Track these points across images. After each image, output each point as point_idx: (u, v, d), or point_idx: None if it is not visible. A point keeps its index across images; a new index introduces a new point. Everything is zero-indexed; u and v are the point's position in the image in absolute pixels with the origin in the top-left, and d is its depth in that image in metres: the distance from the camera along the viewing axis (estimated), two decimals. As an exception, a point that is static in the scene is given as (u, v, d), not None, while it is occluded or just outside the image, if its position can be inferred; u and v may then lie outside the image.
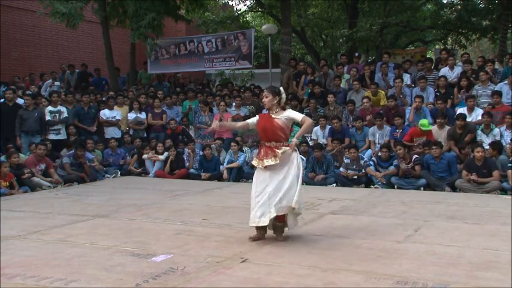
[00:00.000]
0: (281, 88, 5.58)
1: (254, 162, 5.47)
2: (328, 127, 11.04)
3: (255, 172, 5.46)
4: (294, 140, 5.28)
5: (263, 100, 5.51)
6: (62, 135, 11.32)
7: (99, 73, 16.05)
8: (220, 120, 11.69)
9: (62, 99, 12.16)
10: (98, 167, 10.85)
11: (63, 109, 11.38)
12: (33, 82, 14.75)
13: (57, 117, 11.21)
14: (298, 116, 5.36)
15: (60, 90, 13.49)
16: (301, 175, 5.28)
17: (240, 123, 6.06)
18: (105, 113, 12.14)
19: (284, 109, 5.50)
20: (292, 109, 11.94)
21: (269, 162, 5.24)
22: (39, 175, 9.58)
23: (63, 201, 8.15)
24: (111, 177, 10.88)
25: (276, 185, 5.18)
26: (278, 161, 5.19)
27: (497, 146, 9.14)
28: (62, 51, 18.16)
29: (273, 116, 5.37)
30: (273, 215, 5.18)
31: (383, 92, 11.84)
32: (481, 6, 20.35)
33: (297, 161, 5.27)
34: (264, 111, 5.77)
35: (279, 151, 5.22)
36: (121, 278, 4.19)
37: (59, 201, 8.14)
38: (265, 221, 5.22)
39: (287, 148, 5.25)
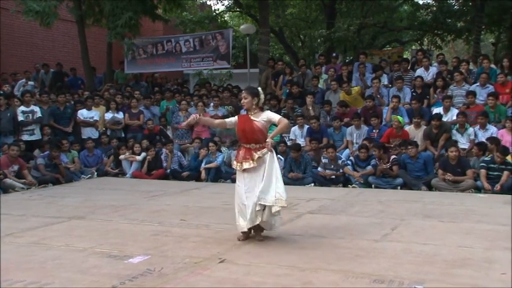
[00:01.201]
0: (259, 88, 5.59)
1: (234, 165, 5.50)
2: (306, 127, 11.08)
3: (236, 175, 5.48)
4: (269, 140, 5.25)
5: (242, 101, 5.49)
6: (36, 136, 11.10)
7: (75, 73, 15.82)
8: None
9: (37, 99, 11.96)
10: (74, 167, 10.69)
11: (36, 109, 11.15)
12: (5, 81, 14.45)
13: (31, 118, 10.99)
14: (275, 117, 5.38)
15: (34, 90, 13.24)
16: (276, 172, 5.25)
17: (217, 120, 6.02)
18: (83, 113, 11.97)
19: (262, 110, 5.51)
20: (271, 109, 12.05)
21: (247, 165, 5.27)
22: (11, 176, 9.38)
23: (38, 202, 8.02)
24: (86, 178, 10.73)
25: (258, 189, 5.18)
26: (256, 164, 5.21)
27: (482, 146, 9.27)
28: (36, 51, 17.79)
29: (252, 117, 5.37)
30: (258, 220, 5.22)
31: (356, 88, 11.99)
32: (456, 8, 20.68)
33: (272, 160, 5.24)
34: (243, 112, 5.76)
35: (256, 155, 5.23)
36: (97, 280, 4.13)
37: (33, 202, 8.00)
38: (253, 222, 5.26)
39: (264, 151, 5.24)
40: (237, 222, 5.37)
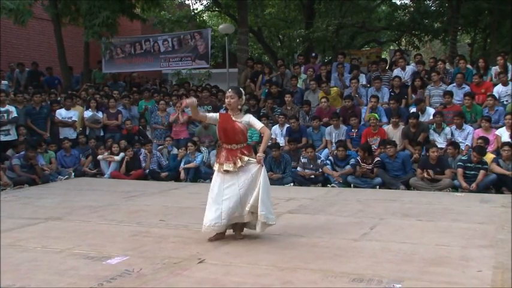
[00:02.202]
0: (241, 89, 5.60)
1: (215, 167, 5.45)
2: (286, 126, 11.09)
3: (214, 174, 5.44)
4: (261, 155, 5.30)
5: (228, 101, 5.40)
6: (12, 136, 10.86)
7: (51, 72, 15.58)
8: (177, 119, 11.63)
9: (11, 98, 11.74)
10: (50, 168, 10.52)
11: (11, 109, 10.91)
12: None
13: (6, 118, 10.76)
14: (257, 125, 5.40)
15: (8, 90, 12.99)
16: (267, 186, 5.30)
17: (201, 113, 5.83)
18: (61, 113, 11.78)
19: (241, 110, 5.52)
20: (250, 109, 12.06)
21: (229, 167, 5.25)
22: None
23: (13, 204, 7.86)
24: (63, 179, 10.58)
25: (245, 189, 5.22)
26: (236, 169, 5.22)
27: (457, 145, 9.43)
28: (10, 49, 17.41)
29: (234, 118, 5.36)
30: (245, 220, 5.32)
31: (335, 89, 12.06)
32: (433, 8, 20.97)
33: (264, 173, 5.29)
34: (222, 111, 5.75)
35: (244, 159, 5.23)
36: (74, 281, 4.08)
37: (8, 204, 7.83)
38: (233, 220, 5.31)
39: (252, 160, 5.26)
40: (206, 217, 5.29)
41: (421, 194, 8.63)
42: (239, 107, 5.40)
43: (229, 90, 5.53)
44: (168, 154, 11.27)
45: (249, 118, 5.40)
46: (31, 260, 4.68)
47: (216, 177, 5.36)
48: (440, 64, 12.06)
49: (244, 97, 5.53)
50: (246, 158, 5.24)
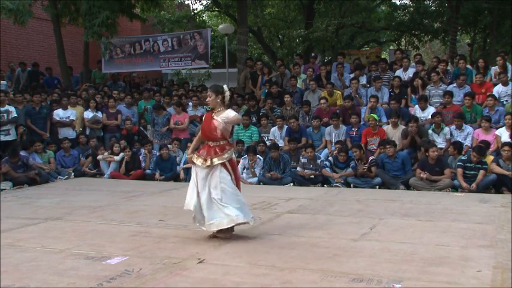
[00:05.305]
0: (224, 86, 5.60)
1: (194, 157, 5.48)
2: (285, 127, 11.09)
3: (192, 166, 5.51)
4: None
5: (207, 100, 5.60)
6: (12, 136, 10.85)
7: (51, 72, 15.58)
8: (176, 123, 11.63)
9: (11, 98, 11.73)
10: (49, 168, 10.50)
11: (11, 109, 10.89)
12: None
13: (5, 118, 10.76)
14: (230, 114, 5.38)
15: (7, 90, 12.98)
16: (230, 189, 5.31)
17: (196, 140, 5.92)
18: (59, 113, 11.77)
19: (229, 108, 5.55)
20: (249, 109, 12.02)
21: (197, 162, 5.35)
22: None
23: (12, 204, 7.86)
24: (63, 179, 10.57)
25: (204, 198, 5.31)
26: (204, 166, 5.27)
27: (457, 146, 9.42)
28: (9, 49, 17.41)
29: (214, 116, 5.44)
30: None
31: (339, 92, 12.01)
32: (432, 8, 20.98)
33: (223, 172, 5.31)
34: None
35: (214, 161, 5.26)
36: (74, 281, 4.08)
37: (7, 204, 7.82)
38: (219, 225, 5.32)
39: (220, 160, 5.29)
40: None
41: (421, 194, 8.63)
42: (217, 103, 5.42)
43: (208, 90, 5.64)
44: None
45: (227, 113, 5.39)
46: (31, 260, 4.68)
47: (192, 169, 5.48)
48: (443, 65, 12.01)
49: (227, 94, 5.52)
50: (216, 161, 5.27)
